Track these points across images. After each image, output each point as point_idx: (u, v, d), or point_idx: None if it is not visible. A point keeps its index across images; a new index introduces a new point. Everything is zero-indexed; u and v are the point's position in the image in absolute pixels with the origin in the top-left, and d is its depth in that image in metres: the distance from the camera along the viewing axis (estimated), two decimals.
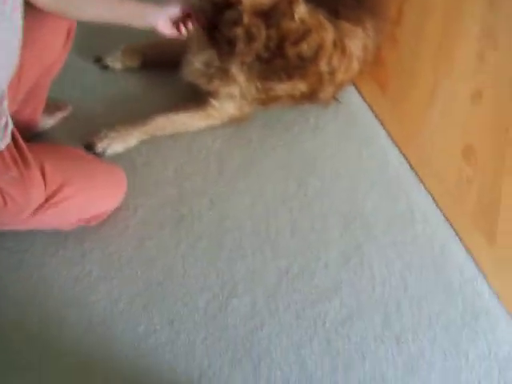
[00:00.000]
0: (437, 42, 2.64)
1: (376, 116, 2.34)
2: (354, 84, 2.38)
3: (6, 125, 1.56)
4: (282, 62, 2.01)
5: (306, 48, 1.99)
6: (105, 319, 1.84)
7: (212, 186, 2.10)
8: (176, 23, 1.82)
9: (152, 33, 2.38)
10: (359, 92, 2.39)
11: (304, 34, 1.97)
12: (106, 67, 2.32)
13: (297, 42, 1.97)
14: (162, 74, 2.31)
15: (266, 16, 1.89)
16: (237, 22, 1.88)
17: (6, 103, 1.53)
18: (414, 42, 2.62)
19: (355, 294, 1.94)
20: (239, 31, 1.88)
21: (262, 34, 1.90)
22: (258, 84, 2.08)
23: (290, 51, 1.98)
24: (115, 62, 2.31)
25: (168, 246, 1.97)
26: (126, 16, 1.79)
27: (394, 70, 2.50)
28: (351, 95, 2.37)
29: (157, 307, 1.87)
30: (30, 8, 1.55)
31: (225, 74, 2.06)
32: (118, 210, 1.99)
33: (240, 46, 1.91)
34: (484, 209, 2.17)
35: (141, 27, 1.83)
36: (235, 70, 2.04)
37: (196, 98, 2.17)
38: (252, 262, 1.97)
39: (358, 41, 2.16)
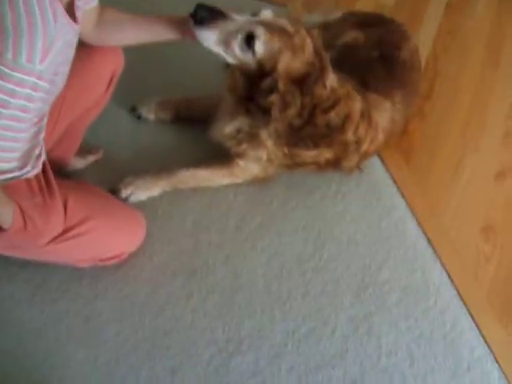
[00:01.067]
0: (464, 119, 2.68)
1: (398, 187, 2.35)
2: (379, 154, 2.41)
3: (40, 155, 1.62)
4: (311, 130, 2.02)
5: (334, 117, 2.01)
6: (110, 360, 1.85)
7: (229, 242, 2.13)
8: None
9: (186, 86, 2.48)
10: (383, 162, 2.41)
11: (334, 103, 1.98)
12: (139, 117, 2.40)
13: (327, 111, 1.98)
14: (192, 128, 2.37)
15: (300, 83, 1.90)
16: (273, 89, 1.87)
17: (42, 135, 1.59)
18: (442, 117, 2.66)
19: (360, 363, 1.92)
20: (275, 98, 1.89)
21: (297, 101, 1.91)
22: (286, 150, 2.10)
23: (320, 119, 1.99)
24: (149, 114, 2.39)
25: (179, 296, 1.99)
26: (163, 33, 1.84)
27: (419, 144, 2.53)
28: (375, 164, 2.39)
29: (161, 355, 1.87)
30: (77, 50, 1.62)
31: (254, 138, 2.09)
32: (134, 254, 2.02)
33: (275, 113, 1.91)
34: (499, 289, 2.15)
35: (178, 39, 1.86)
36: (265, 135, 2.06)
37: (222, 154, 2.21)
38: (260, 320, 1.97)
39: (385, 113, 2.19)
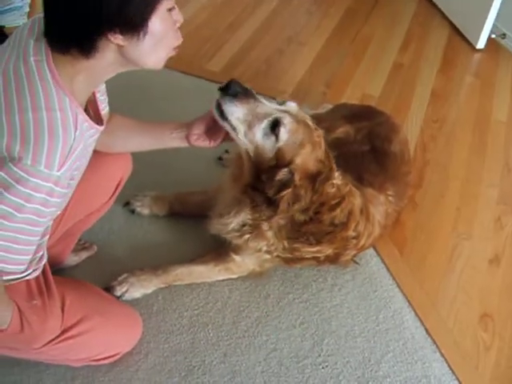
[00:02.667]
0: (456, 206, 2.71)
1: (394, 278, 2.35)
2: (374, 246, 2.41)
3: (42, 257, 1.59)
4: (315, 227, 2.02)
5: (339, 214, 2.02)
6: None
7: (226, 339, 2.09)
8: (208, 133, 1.87)
9: (181, 181, 2.50)
10: (378, 253, 2.42)
11: (340, 201, 2.00)
12: (133, 211, 2.41)
13: (333, 208, 1.99)
14: (187, 223, 2.39)
15: (313, 180, 1.89)
16: (287, 182, 1.84)
17: (47, 238, 1.58)
18: (433, 206, 2.69)
19: None
20: (288, 192, 1.85)
21: (307, 196, 1.90)
22: (286, 243, 2.08)
23: (326, 216, 2.00)
24: (143, 208, 2.41)
25: None
26: (168, 141, 1.88)
27: (413, 233, 2.55)
28: (370, 256, 2.40)
29: None
30: None
31: (255, 229, 2.06)
32: (129, 353, 1.98)
33: (284, 207, 1.88)
34: (501, 377, 2.12)
35: (178, 146, 1.91)
36: (266, 226, 2.04)
37: (217, 247, 2.21)
38: None
39: (380, 207, 2.21)
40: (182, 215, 2.42)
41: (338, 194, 1.98)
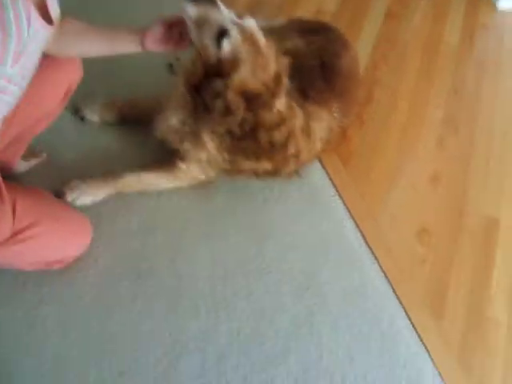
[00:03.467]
0: (402, 125, 2.77)
1: (337, 191, 2.42)
2: (319, 159, 2.47)
3: None
4: (253, 145, 2.06)
5: (277, 135, 2.05)
6: (56, 367, 1.86)
7: (174, 244, 2.15)
8: (167, 37, 1.85)
9: (131, 88, 2.43)
10: (323, 167, 2.48)
11: (278, 124, 2.02)
12: (83, 119, 2.40)
13: (269, 130, 2.02)
14: (136, 131, 2.38)
15: (248, 99, 1.91)
16: (220, 93, 1.88)
17: None
18: (380, 124, 2.75)
19: (302, 363, 1.98)
20: (219, 103, 1.90)
21: (239, 113, 1.92)
22: (226, 155, 2.12)
23: (263, 137, 2.03)
24: (93, 115, 2.39)
25: (125, 299, 2.00)
26: (123, 46, 1.86)
27: (357, 148, 2.61)
28: (315, 169, 2.46)
29: (108, 359, 1.89)
30: None
31: (196, 138, 2.10)
32: (80, 258, 2.02)
33: (215, 115, 1.93)
34: (433, 288, 2.25)
35: (135, 52, 1.88)
36: (206, 137, 2.08)
37: (166, 157, 2.24)
38: (205, 322, 2.01)
39: (323, 123, 2.24)
40: (132, 122, 2.41)
41: (276, 120, 2.01)
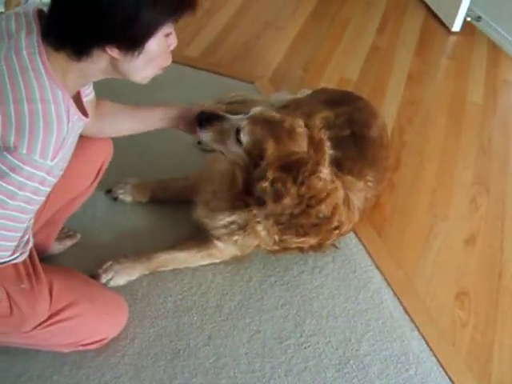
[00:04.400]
0: (432, 187, 2.77)
1: (372, 259, 2.40)
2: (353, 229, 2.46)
3: (28, 241, 1.66)
4: (304, 220, 2.08)
5: (324, 208, 2.06)
6: None
7: (210, 322, 2.13)
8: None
9: (161, 170, 2.49)
10: (357, 235, 2.47)
11: (326, 196, 2.04)
12: (116, 199, 2.43)
13: (320, 202, 2.04)
14: (168, 209, 2.42)
15: (291, 171, 1.93)
16: (262, 177, 1.93)
17: (32, 222, 1.63)
18: (410, 187, 2.75)
19: None
20: (265, 186, 1.93)
21: (290, 189, 1.94)
22: (276, 237, 2.14)
23: (315, 209, 2.05)
24: (125, 195, 2.43)
25: (162, 380, 1.97)
26: (159, 123, 1.92)
27: (390, 215, 2.60)
28: (349, 239, 2.44)
29: None
30: None
31: (247, 230, 2.13)
32: (116, 338, 2.01)
33: (269, 201, 1.95)
34: (477, 352, 2.18)
35: (165, 127, 1.95)
36: (260, 226, 2.11)
37: (199, 234, 2.25)
38: None
39: (359, 193, 2.27)
40: (163, 201, 2.45)
41: (324, 189, 2.02)
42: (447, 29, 3.81)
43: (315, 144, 1.99)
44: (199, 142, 2.67)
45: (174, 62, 3.31)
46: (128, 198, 2.43)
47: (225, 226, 2.16)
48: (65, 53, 1.41)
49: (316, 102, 2.53)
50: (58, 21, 1.39)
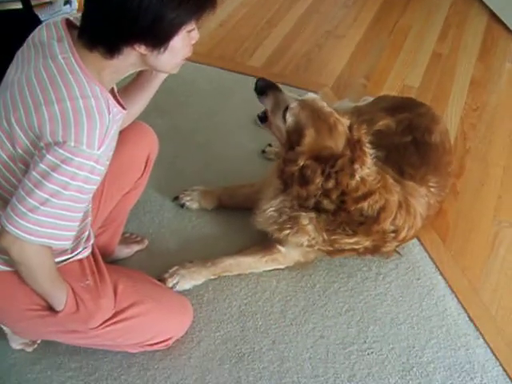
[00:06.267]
0: (497, 193, 2.73)
1: (436, 266, 2.39)
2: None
3: (89, 237, 1.79)
4: (346, 216, 2.09)
5: (366, 207, 2.08)
6: None
7: (274, 327, 2.16)
8: None
9: (226, 178, 2.55)
10: (421, 242, 2.46)
11: (365, 195, 2.05)
12: (182, 206, 2.50)
13: (357, 201, 2.05)
14: (234, 215, 2.47)
15: (323, 163, 1.99)
16: (293, 161, 2.01)
17: (89, 219, 1.77)
18: (474, 193, 2.72)
19: None
20: (294, 170, 2.00)
21: (316, 179, 1.99)
22: (325, 236, 2.15)
23: (352, 207, 2.06)
24: (192, 203, 2.49)
25: (227, 383, 2.01)
26: (154, 82, 1.85)
27: (454, 221, 2.58)
28: (413, 245, 2.44)
29: None
30: None
31: (295, 224, 2.15)
32: (182, 341, 2.07)
33: (295, 185, 2.02)
34: None
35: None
36: (304, 219, 2.13)
37: (264, 240, 2.29)
38: None
39: (422, 199, 2.25)
40: (229, 208, 2.50)
41: (362, 188, 2.04)
42: (511, 33, 3.74)
43: (352, 144, 2.02)
44: (263, 151, 2.74)
45: (237, 72, 3.43)
46: (194, 205, 2.49)
47: (274, 220, 2.20)
48: (98, 52, 1.50)
49: (377, 109, 2.54)
50: (91, 23, 1.50)
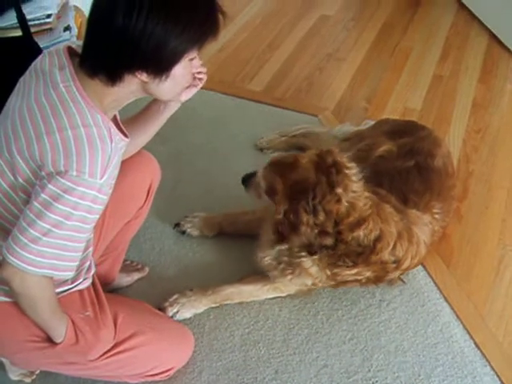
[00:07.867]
0: (501, 216, 2.70)
1: (441, 292, 2.35)
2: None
3: (90, 267, 1.78)
4: (345, 248, 2.05)
5: (362, 237, 2.03)
6: None
7: (277, 356, 2.13)
8: None
9: (228, 205, 2.54)
10: (425, 268, 2.43)
11: (359, 222, 2.01)
12: (183, 232, 2.48)
13: (352, 229, 2.01)
14: (235, 243, 2.45)
15: (301, 201, 1.97)
16: (277, 213, 2.02)
17: (91, 249, 1.75)
18: (478, 217, 2.69)
19: None
20: (279, 220, 2.02)
21: (302, 217, 1.96)
22: (328, 271, 2.13)
23: (349, 236, 2.02)
24: (193, 230, 2.48)
25: None
26: (162, 116, 1.88)
27: (458, 246, 2.55)
28: (417, 271, 2.40)
29: None
30: None
31: (297, 267, 2.15)
32: (183, 371, 2.03)
33: (291, 235, 2.02)
34: None
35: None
36: (308, 264, 2.12)
37: None
38: None
39: (425, 227, 2.22)
40: (230, 235, 2.48)
41: (353, 213, 1.99)
42: (511, 54, 3.74)
43: (326, 169, 1.99)
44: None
45: (237, 96, 3.43)
46: (195, 232, 2.48)
47: (274, 267, 2.20)
48: (99, 80, 1.50)
49: (378, 133, 2.53)
50: (93, 51, 1.49)
